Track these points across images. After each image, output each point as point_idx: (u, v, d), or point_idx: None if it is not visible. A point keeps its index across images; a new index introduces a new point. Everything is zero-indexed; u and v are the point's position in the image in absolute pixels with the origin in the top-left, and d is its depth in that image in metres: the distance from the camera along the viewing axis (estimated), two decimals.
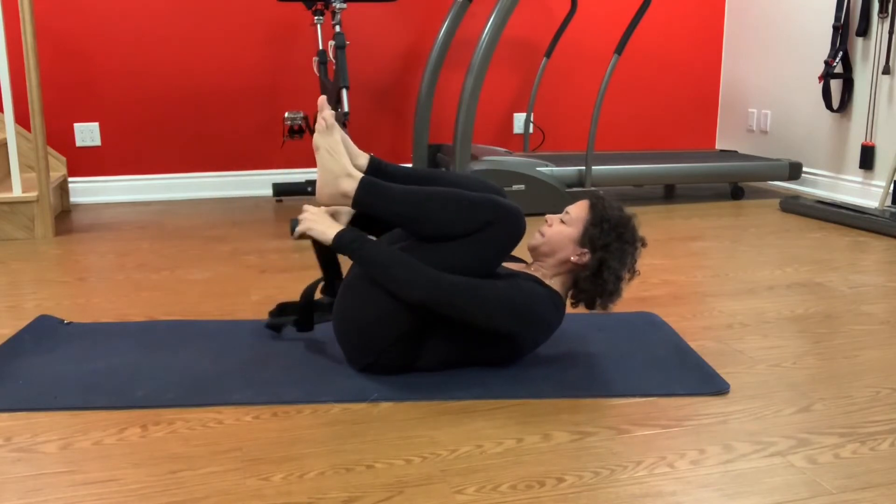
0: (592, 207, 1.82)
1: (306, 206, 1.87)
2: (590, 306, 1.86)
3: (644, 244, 1.85)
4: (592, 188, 1.83)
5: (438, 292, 1.66)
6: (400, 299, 1.69)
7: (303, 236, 1.90)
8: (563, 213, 1.86)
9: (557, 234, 1.82)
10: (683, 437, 1.52)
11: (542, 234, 1.85)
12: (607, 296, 1.82)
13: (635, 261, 1.83)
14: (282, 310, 2.10)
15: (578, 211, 1.83)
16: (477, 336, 1.77)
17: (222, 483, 1.36)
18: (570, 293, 1.87)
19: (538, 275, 1.85)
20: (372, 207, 1.77)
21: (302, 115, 3.75)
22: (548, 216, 1.88)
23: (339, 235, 1.77)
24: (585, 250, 1.79)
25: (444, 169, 3.74)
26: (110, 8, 3.89)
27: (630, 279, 1.82)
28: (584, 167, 3.73)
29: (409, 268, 1.68)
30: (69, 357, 1.91)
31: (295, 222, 2.35)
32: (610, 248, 1.78)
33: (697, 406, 1.66)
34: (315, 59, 3.78)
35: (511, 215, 1.69)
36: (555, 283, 1.84)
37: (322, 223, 1.81)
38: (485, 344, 1.78)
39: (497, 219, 1.67)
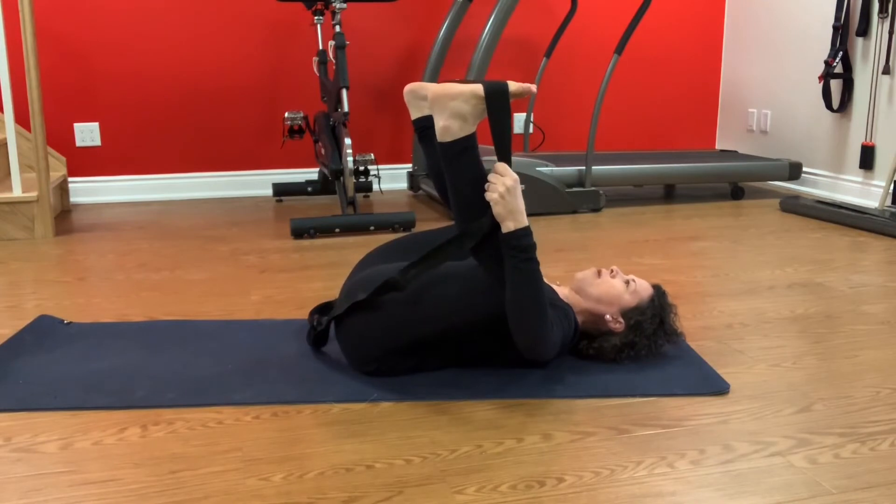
0: (658, 296, 1.85)
1: (505, 169, 1.57)
2: (593, 358, 1.87)
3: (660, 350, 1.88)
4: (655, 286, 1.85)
5: (547, 325, 1.62)
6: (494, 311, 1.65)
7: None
8: (630, 276, 1.87)
9: (613, 289, 1.83)
10: (683, 437, 1.52)
11: (599, 276, 1.85)
12: (610, 361, 1.85)
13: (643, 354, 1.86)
14: (324, 310, 1.96)
15: (643, 289, 1.85)
16: (481, 340, 1.76)
17: (222, 483, 1.36)
18: (582, 343, 1.87)
19: (570, 303, 1.84)
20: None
21: (302, 115, 3.75)
22: (615, 267, 1.88)
23: (529, 227, 1.61)
24: (622, 323, 1.82)
25: None
26: (110, 8, 3.89)
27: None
28: (584, 167, 3.73)
29: (545, 299, 1.61)
30: (69, 357, 1.91)
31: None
32: (647, 337, 1.82)
33: (697, 406, 1.66)
34: (315, 59, 3.79)
35: None
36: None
37: (518, 203, 1.58)
38: (490, 347, 1.78)
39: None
